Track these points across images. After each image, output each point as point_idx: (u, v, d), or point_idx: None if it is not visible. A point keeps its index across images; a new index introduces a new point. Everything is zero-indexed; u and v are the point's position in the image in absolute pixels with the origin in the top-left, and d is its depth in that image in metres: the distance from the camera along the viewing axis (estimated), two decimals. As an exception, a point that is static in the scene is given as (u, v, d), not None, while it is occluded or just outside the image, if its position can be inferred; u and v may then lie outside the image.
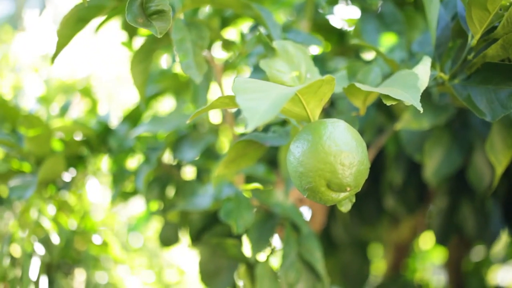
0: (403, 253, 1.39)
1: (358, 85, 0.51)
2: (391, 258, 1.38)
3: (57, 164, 0.77)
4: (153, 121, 0.78)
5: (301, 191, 0.50)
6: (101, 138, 0.81)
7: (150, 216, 1.18)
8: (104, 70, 1.48)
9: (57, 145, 0.83)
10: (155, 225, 1.25)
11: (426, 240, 1.58)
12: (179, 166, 0.82)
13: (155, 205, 0.81)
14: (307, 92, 0.48)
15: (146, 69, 0.68)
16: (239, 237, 0.75)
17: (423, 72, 0.50)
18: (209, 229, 0.81)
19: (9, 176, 0.85)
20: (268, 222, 0.75)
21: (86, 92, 1.01)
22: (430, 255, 1.75)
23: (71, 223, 0.94)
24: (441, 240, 0.98)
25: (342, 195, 0.50)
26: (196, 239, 0.81)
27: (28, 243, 0.86)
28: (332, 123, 0.50)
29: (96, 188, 0.93)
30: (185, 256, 1.43)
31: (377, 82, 0.59)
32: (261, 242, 0.72)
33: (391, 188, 1.06)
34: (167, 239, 0.88)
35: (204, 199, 0.71)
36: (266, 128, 0.67)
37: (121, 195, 0.87)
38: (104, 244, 0.96)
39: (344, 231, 1.16)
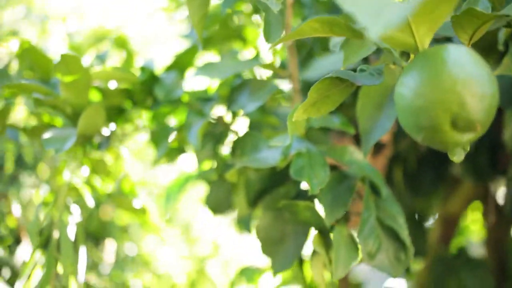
0: (452, 228, 1.31)
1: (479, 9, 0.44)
2: (440, 233, 1.30)
3: (97, 116, 0.70)
4: (207, 67, 0.71)
5: (415, 132, 0.43)
6: (146, 87, 0.74)
7: (186, 181, 1.12)
8: (133, 27, 1.41)
9: (95, 95, 0.77)
10: (190, 193, 1.18)
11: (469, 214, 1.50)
12: (233, 120, 0.74)
13: (207, 165, 0.74)
14: (418, 14, 0.40)
15: (205, 2, 0.60)
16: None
17: None
18: (269, 191, 0.74)
19: (39, 131, 0.79)
20: (344, 182, 0.67)
21: (121, 42, 0.94)
22: (467, 231, 1.68)
23: (106, 185, 0.87)
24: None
25: (466, 136, 0.43)
26: (254, 203, 0.74)
27: (64, 207, 0.80)
28: (456, 48, 0.43)
29: (137, 147, 0.87)
30: (221, 228, 1.37)
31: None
32: (336, 206, 0.65)
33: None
34: (218, 204, 0.81)
35: (271, 154, 0.64)
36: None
37: (167, 154, 0.80)
38: (142, 210, 0.90)
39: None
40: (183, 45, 0.99)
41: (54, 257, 0.76)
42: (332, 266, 0.62)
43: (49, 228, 0.83)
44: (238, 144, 0.69)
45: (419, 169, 1.11)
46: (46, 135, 0.66)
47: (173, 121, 0.91)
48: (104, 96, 0.76)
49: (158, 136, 0.83)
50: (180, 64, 0.79)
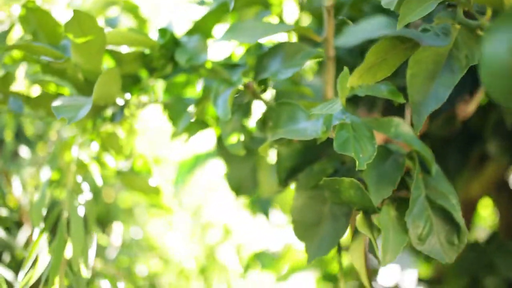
0: (471, 212, 1.26)
1: None
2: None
3: (113, 83, 0.63)
4: (235, 30, 0.64)
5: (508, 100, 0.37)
6: (166, 52, 0.67)
7: (198, 160, 1.05)
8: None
9: (107, 61, 0.69)
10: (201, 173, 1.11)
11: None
12: (262, 89, 0.67)
13: (235, 138, 0.67)
14: None
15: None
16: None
17: None
18: (302, 169, 0.67)
19: (44, 101, 0.71)
20: (390, 158, 0.61)
21: (131, 8, 0.86)
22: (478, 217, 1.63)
23: (117, 162, 0.80)
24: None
25: None
26: (285, 181, 0.67)
27: (73, 185, 0.73)
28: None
29: (153, 120, 0.80)
30: (234, 212, 1.31)
31: None
32: (384, 184, 0.58)
33: (496, 131, 0.93)
34: (242, 184, 0.75)
35: (311, 125, 0.57)
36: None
37: (186, 127, 0.73)
38: (156, 191, 0.83)
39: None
40: (197, 12, 0.91)
41: (64, 240, 0.69)
42: (379, 251, 0.56)
43: (57, 209, 0.76)
44: (270, 115, 0.62)
45: (445, 151, 1.05)
46: (56, 103, 0.59)
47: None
48: (118, 62, 0.68)
49: (175, 108, 0.76)
50: (202, 28, 0.71)
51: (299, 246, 1.11)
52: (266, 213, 0.98)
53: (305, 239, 0.64)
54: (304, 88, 0.69)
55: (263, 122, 0.64)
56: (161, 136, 1.17)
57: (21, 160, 1.01)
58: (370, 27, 0.75)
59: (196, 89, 0.86)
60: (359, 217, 0.58)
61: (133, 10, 0.87)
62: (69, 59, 0.62)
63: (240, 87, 0.63)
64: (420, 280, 1.07)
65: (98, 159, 0.78)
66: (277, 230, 1.10)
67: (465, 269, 0.98)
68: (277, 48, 0.65)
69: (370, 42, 0.78)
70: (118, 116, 0.69)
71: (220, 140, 0.82)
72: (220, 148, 0.82)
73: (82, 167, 0.78)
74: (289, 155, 0.67)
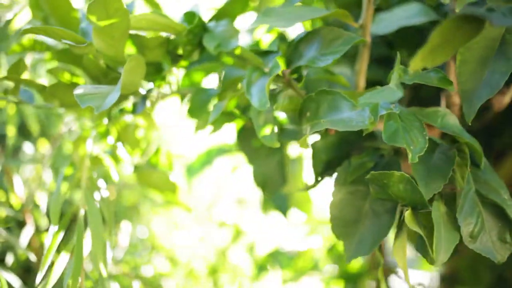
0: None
1: None
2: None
3: (138, 70, 0.58)
4: (269, 14, 0.59)
5: None
6: (193, 38, 0.62)
7: (210, 156, 1.01)
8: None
9: (129, 47, 0.65)
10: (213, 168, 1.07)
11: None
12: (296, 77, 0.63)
13: (268, 129, 0.63)
14: None
15: None
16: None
17: None
18: (339, 163, 0.63)
19: (59, 91, 0.66)
20: (438, 150, 0.57)
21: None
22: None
23: (135, 156, 0.76)
24: None
25: None
26: (321, 176, 0.64)
27: (89, 182, 0.68)
28: None
29: (174, 111, 0.75)
30: (246, 212, 1.26)
31: None
32: (434, 178, 0.54)
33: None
34: (269, 180, 0.70)
35: (356, 115, 0.54)
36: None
37: (218, 119, 0.68)
38: (173, 187, 0.79)
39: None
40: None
41: (82, 240, 0.64)
42: (432, 249, 0.53)
43: (71, 207, 0.71)
44: (309, 104, 0.58)
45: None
46: (79, 91, 0.54)
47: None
48: (140, 48, 0.64)
49: (197, 99, 0.72)
50: (229, 12, 0.67)
51: (316, 246, 1.07)
52: (284, 211, 0.94)
53: (344, 237, 0.61)
54: (339, 77, 0.65)
55: (301, 112, 0.60)
56: (167, 130, 1.12)
57: (24, 156, 0.95)
58: (406, 14, 0.72)
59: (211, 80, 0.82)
60: (408, 213, 0.54)
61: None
62: (91, 44, 0.57)
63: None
64: (442, 278, 1.04)
65: (113, 153, 0.73)
66: (292, 229, 1.06)
67: (488, 266, 0.95)
68: (314, 33, 0.61)
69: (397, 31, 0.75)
70: (140, 107, 0.64)
71: (241, 133, 0.78)
72: (242, 142, 0.78)
73: (96, 162, 0.73)
74: (325, 148, 0.64)
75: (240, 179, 1.21)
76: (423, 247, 0.56)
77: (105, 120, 0.69)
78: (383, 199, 0.58)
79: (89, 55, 0.61)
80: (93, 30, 0.57)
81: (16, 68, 0.64)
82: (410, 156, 0.51)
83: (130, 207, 1.18)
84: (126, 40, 0.58)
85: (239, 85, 0.75)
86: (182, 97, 0.80)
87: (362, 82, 0.70)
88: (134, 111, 0.65)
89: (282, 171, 0.71)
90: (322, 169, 0.64)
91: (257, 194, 0.99)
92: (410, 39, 0.79)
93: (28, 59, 0.94)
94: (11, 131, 0.91)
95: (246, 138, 0.77)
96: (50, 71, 0.68)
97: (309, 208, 1.08)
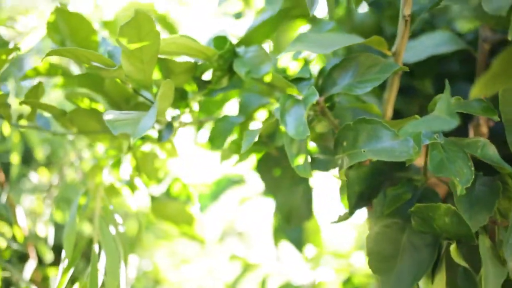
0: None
1: None
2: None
3: (169, 96, 0.56)
4: (303, 39, 0.58)
5: None
6: (223, 63, 0.60)
7: (223, 186, 0.98)
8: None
9: (156, 72, 0.62)
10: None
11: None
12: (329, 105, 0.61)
13: (301, 159, 0.60)
14: None
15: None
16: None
17: None
18: (374, 194, 0.61)
19: (80, 117, 0.64)
20: (479, 181, 0.55)
21: (161, 18, 0.80)
22: None
23: (152, 186, 0.73)
24: None
25: None
26: (355, 208, 0.61)
27: (104, 213, 0.64)
28: None
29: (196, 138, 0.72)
30: (256, 244, 1.22)
31: None
32: (479, 210, 0.52)
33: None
34: (294, 212, 0.68)
35: (398, 145, 0.52)
36: None
37: (237, 149, 0.66)
38: (190, 218, 0.75)
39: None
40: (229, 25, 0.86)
41: (97, 276, 0.61)
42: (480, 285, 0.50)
43: (83, 238, 0.67)
44: (347, 133, 0.56)
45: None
46: (108, 116, 0.51)
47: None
48: (166, 73, 0.61)
49: (219, 127, 0.70)
50: (257, 37, 0.66)
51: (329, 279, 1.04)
52: (298, 245, 0.91)
53: (381, 272, 0.58)
54: (371, 105, 0.63)
55: (335, 142, 0.57)
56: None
57: (28, 185, 0.91)
58: (433, 42, 0.71)
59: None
60: (453, 247, 0.52)
61: (163, 21, 0.81)
62: (121, 68, 0.54)
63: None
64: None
65: (131, 183, 0.70)
66: (302, 261, 1.03)
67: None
68: (350, 60, 0.59)
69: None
70: (167, 134, 0.61)
71: (262, 162, 0.75)
72: (263, 172, 0.75)
73: (111, 191, 0.70)
74: (358, 179, 0.61)
75: (249, 210, 1.18)
76: (468, 283, 0.53)
77: (126, 148, 0.66)
78: (425, 232, 0.55)
79: (116, 80, 0.59)
80: (122, 53, 0.54)
81: (35, 93, 0.61)
82: (458, 188, 0.49)
83: (133, 237, 1.14)
84: (155, 64, 0.56)
85: (267, 113, 0.73)
86: (199, 125, 0.77)
87: (390, 111, 0.68)
88: (160, 139, 0.62)
89: (308, 202, 0.68)
90: (356, 201, 0.61)
91: (268, 225, 0.96)
92: (432, 68, 0.78)
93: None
94: (15, 159, 0.87)
95: (267, 167, 0.74)
96: (69, 97, 0.65)
97: (319, 239, 1.05)
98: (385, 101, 0.67)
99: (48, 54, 0.55)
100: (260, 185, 1.08)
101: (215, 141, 0.71)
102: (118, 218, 0.65)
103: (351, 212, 0.61)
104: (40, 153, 0.89)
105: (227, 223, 1.24)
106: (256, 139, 0.57)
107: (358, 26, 0.80)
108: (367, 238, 0.58)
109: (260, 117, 0.76)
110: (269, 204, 0.99)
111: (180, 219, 0.76)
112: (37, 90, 0.62)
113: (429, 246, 0.56)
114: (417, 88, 0.80)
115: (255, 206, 1.16)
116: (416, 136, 0.52)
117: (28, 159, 0.92)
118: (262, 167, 0.75)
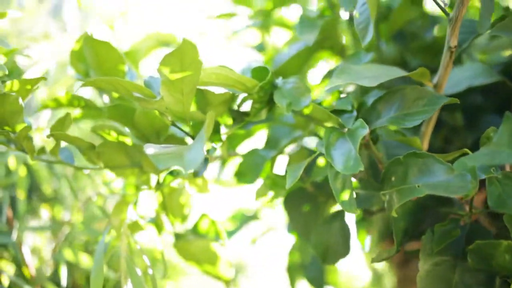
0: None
1: None
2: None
3: (211, 129, 0.53)
4: (346, 72, 0.56)
5: None
6: (263, 94, 0.58)
7: (243, 220, 0.95)
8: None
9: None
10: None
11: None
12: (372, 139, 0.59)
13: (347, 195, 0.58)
14: None
15: None
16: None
17: None
18: (419, 231, 0.59)
19: (107, 150, 0.60)
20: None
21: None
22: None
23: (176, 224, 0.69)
24: None
25: None
26: (401, 244, 0.59)
27: (130, 253, 0.60)
28: None
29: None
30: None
31: None
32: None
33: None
34: (332, 249, 0.65)
35: (453, 179, 0.50)
36: None
37: (273, 185, 0.63)
38: (214, 258, 0.72)
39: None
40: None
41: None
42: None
43: (110, 280, 0.63)
44: (395, 168, 0.54)
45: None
46: (150, 150, 0.48)
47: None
48: (203, 104, 0.59)
49: (249, 161, 0.67)
50: (291, 68, 0.64)
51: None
52: (318, 285, 0.87)
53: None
54: (415, 139, 0.61)
55: (383, 177, 0.55)
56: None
57: (36, 222, 0.87)
58: (470, 74, 0.70)
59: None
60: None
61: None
62: (163, 99, 0.52)
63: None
64: None
65: (157, 220, 0.66)
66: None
67: None
68: (394, 92, 0.58)
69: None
70: (202, 169, 0.58)
71: (290, 197, 0.73)
72: (290, 207, 0.73)
73: (136, 228, 0.66)
74: (403, 215, 0.59)
75: (261, 246, 1.14)
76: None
77: (154, 184, 0.62)
78: (481, 270, 0.53)
79: (146, 112, 0.56)
80: (163, 83, 0.52)
81: (61, 125, 0.58)
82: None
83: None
84: (193, 95, 0.54)
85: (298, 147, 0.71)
86: (224, 160, 0.75)
87: (426, 145, 0.67)
88: (195, 174, 0.59)
89: (346, 238, 0.65)
90: (402, 237, 0.59)
91: (283, 262, 0.93)
92: (463, 100, 0.77)
93: (46, 115, 0.88)
94: (21, 195, 0.83)
95: (297, 203, 0.72)
96: (96, 129, 0.62)
97: (336, 279, 1.02)
98: (422, 134, 0.66)
99: (85, 85, 0.52)
100: (279, 220, 1.06)
101: (245, 176, 0.68)
102: (146, 259, 0.61)
103: (397, 250, 0.59)
104: (49, 188, 0.84)
105: (237, 260, 1.20)
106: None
107: (384, 57, 0.79)
108: (418, 277, 0.55)
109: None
110: (285, 241, 0.96)
111: (203, 259, 0.72)
112: (64, 122, 0.58)
113: (481, 284, 0.54)
114: (443, 120, 0.79)
115: (267, 242, 1.12)
116: (471, 170, 0.50)
117: (35, 193, 0.88)
118: (291, 202, 0.72)
